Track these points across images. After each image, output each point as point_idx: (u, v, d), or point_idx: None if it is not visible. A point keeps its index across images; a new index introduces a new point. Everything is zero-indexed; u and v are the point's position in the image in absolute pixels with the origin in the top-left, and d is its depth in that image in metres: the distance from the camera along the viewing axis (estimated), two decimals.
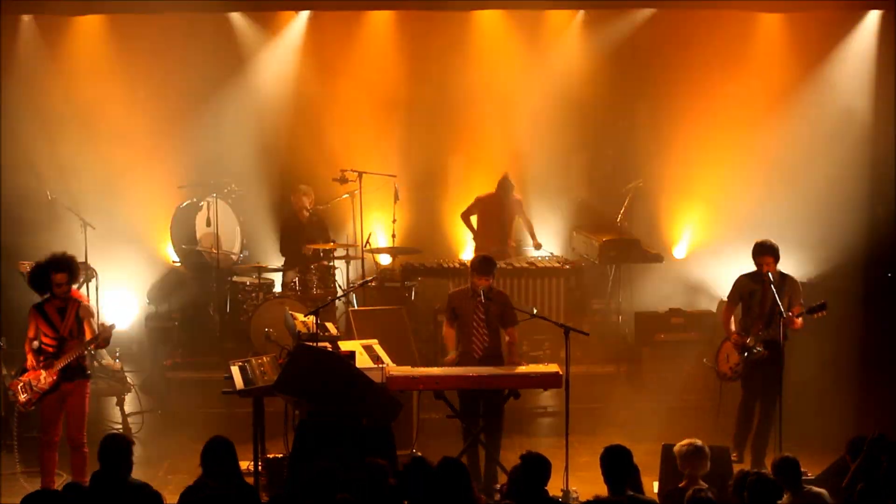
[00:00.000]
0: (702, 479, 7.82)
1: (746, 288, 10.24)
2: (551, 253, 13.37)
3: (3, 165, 13.19)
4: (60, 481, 9.89)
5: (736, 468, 8.38)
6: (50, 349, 9.44)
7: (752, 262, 10.13)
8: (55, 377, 9.38)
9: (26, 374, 9.45)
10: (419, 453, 10.14)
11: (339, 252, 13.15)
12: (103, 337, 9.53)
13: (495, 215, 13.32)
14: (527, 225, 13.49)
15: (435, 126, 14.19)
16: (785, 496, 7.33)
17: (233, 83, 14.01)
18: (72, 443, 9.55)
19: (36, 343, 9.46)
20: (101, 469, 7.29)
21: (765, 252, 10.07)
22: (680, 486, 7.84)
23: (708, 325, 12.27)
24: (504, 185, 13.29)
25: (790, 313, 9.97)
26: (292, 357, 8.82)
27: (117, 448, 7.32)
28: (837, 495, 7.62)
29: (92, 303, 11.78)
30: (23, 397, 9.39)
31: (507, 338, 9.99)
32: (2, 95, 13.27)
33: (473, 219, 13.49)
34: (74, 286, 9.66)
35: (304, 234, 13.20)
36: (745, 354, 10.16)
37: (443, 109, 14.17)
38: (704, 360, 10.56)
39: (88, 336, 9.47)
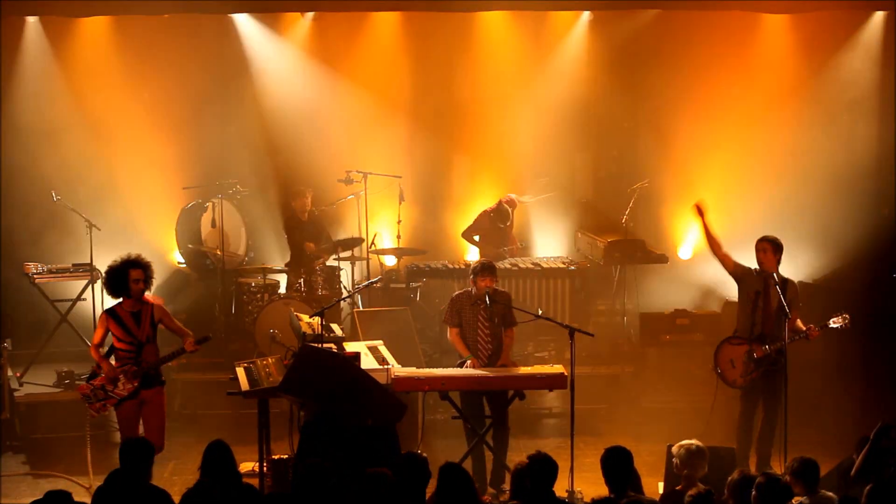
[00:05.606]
0: (705, 480, 7.75)
1: (753, 283, 9.97)
2: (548, 257, 13.28)
3: (7, 167, 13.19)
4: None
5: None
6: (128, 355, 9.31)
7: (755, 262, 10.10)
8: (136, 384, 9.27)
9: (98, 379, 9.29)
10: (424, 454, 10.18)
11: (345, 253, 13.15)
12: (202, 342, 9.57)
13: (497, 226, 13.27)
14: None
15: (440, 127, 14.19)
16: (796, 499, 7.29)
17: (238, 84, 14.03)
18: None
19: (104, 349, 9.35)
20: (121, 470, 7.28)
21: (764, 240, 9.91)
22: (678, 488, 7.74)
23: (713, 326, 12.24)
24: (501, 211, 13.16)
25: (811, 326, 9.89)
26: (297, 358, 8.83)
27: (140, 451, 7.32)
28: (842, 492, 7.57)
29: (97, 304, 11.87)
30: (97, 403, 9.24)
31: (505, 339, 9.98)
32: (6, 97, 13.29)
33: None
34: (148, 293, 9.53)
35: (305, 234, 13.20)
36: (762, 367, 9.89)
37: (448, 110, 14.19)
38: (712, 368, 10.37)
39: (183, 332, 9.50)
